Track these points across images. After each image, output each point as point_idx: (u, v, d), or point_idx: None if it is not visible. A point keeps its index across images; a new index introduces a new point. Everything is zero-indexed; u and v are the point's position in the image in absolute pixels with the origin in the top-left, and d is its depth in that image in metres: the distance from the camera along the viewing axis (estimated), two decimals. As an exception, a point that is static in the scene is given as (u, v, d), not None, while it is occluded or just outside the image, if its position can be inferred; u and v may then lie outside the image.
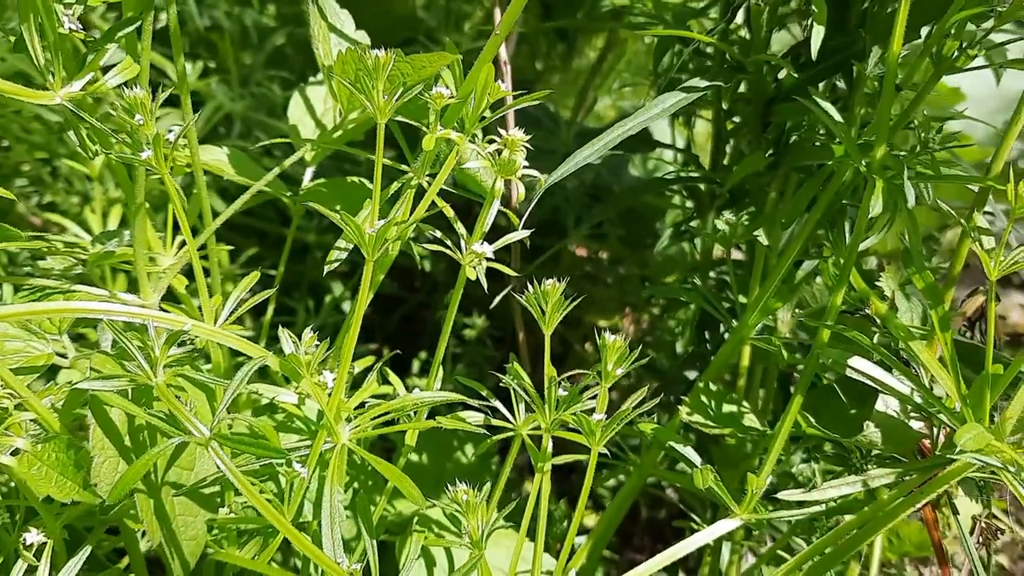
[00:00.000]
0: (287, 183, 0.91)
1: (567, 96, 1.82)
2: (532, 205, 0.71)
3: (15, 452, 0.62)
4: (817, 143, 0.82)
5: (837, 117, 0.72)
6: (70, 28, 0.60)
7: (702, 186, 0.98)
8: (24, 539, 0.63)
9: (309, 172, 0.87)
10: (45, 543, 0.64)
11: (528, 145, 1.32)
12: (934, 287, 0.68)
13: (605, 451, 0.70)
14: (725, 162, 0.97)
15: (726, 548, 1.00)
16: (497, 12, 0.93)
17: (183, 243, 0.82)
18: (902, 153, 0.77)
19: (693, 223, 1.06)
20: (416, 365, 1.54)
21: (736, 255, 1.11)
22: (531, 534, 0.74)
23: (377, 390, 0.75)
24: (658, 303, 1.57)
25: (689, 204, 1.13)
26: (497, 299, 0.86)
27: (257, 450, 0.59)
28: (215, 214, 0.81)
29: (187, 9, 1.62)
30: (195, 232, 0.77)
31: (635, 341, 1.63)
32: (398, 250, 0.75)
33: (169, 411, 0.58)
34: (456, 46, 1.71)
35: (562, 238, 1.51)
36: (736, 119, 0.92)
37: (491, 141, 0.68)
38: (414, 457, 1.03)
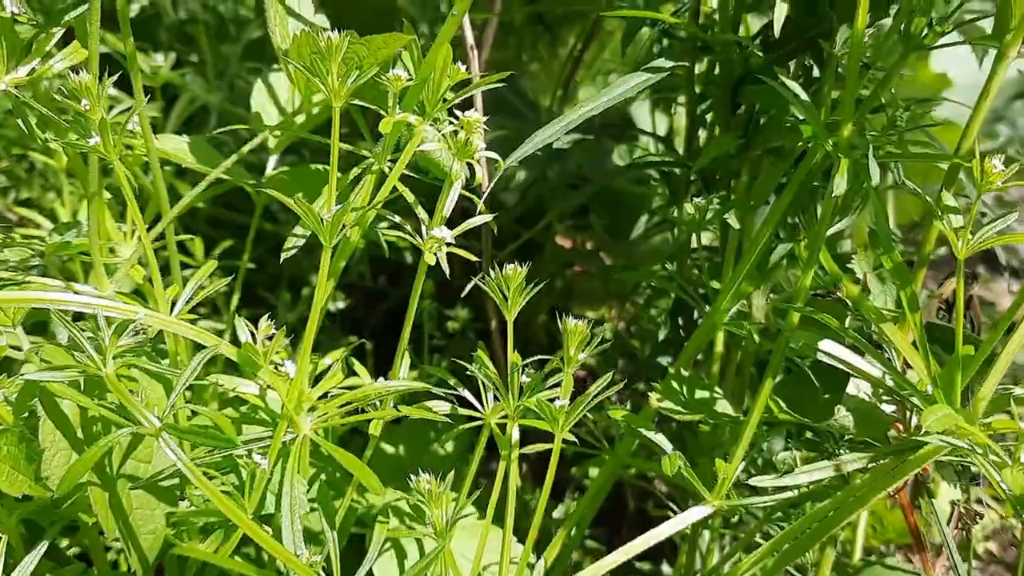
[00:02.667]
0: (256, 174, 0.90)
1: (551, 87, 1.81)
2: (491, 185, 0.70)
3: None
4: (787, 124, 0.81)
5: (803, 96, 0.70)
6: (12, 11, 0.59)
7: (677, 171, 0.97)
8: (-25, 535, 0.62)
9: (272, 160, 0.85)
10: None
11: (507, 134, 1.30)
12: (902, 268, 0.67)
13: (574, 439, 0.68)
14: (700, 147, 0.95)
15: (704, 536, 0.99)
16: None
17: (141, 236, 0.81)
18: (872, 133, 0.75)
19: (669, 210, 1.05)
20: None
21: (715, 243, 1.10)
22: (502, 523, 0.73)
23: (342, 380, 0.73)
24: (643, 294, 1.55)
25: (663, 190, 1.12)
26: (468, 287, 0.85)
27: (210, 440, 0.57)
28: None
29: (163, 1, 1.60)
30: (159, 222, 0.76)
31: (620, 332, 1.62)
32: (359, 237, 0.74)
33: (121, 402, 0.57)
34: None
35: (547, 228, 1.49)
36: (708, 103, 0.91)
37: (450, 119, 0.67)
38: (391, 450, 1.02)
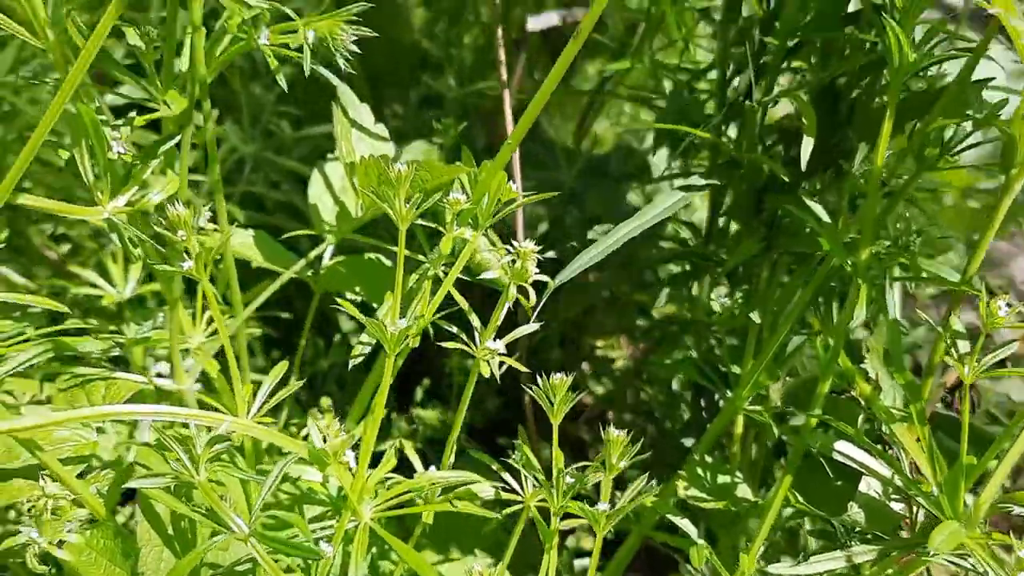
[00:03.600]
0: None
1: (568, 115, 1.87)
2: (540, 303, 0.77)
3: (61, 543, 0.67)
4: (808, 229, 0.87)
5: (824, 218, 0.77)
6: (118, 152, 0.65)
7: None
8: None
9: (329, 251, 0.92)
10: (94, 624, 0.69)
11: (533, 184, 1.37)
12: (913, 385, 0.73)
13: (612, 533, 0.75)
14: (720, 231, 1.02)
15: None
16: (507, 97, 0.98)
17: (210, 320, 0.87)
18: (886, 245, 0.82)
19: (689, 281, 1.12)
20: (419, 393, 1.60)
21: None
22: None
23: (394, 464, 0.80)
24: (655, 335, 1.62)
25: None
26: (500, 366, 0.92)
27: (291, 550, 0.64)
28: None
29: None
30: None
31: (631, 371, 1.69)
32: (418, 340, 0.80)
33: (210, 507, 0.64)
34: (460, 60, 1.73)
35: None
36: (730, 197, 0.97)
37: (506, 247, 0.73)
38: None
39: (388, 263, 0.92)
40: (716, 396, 1.00)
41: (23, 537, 0.63)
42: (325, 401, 1.20)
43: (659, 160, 1.66)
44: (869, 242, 0.76)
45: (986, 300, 0.66)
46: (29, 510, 0.62)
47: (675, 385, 1.48)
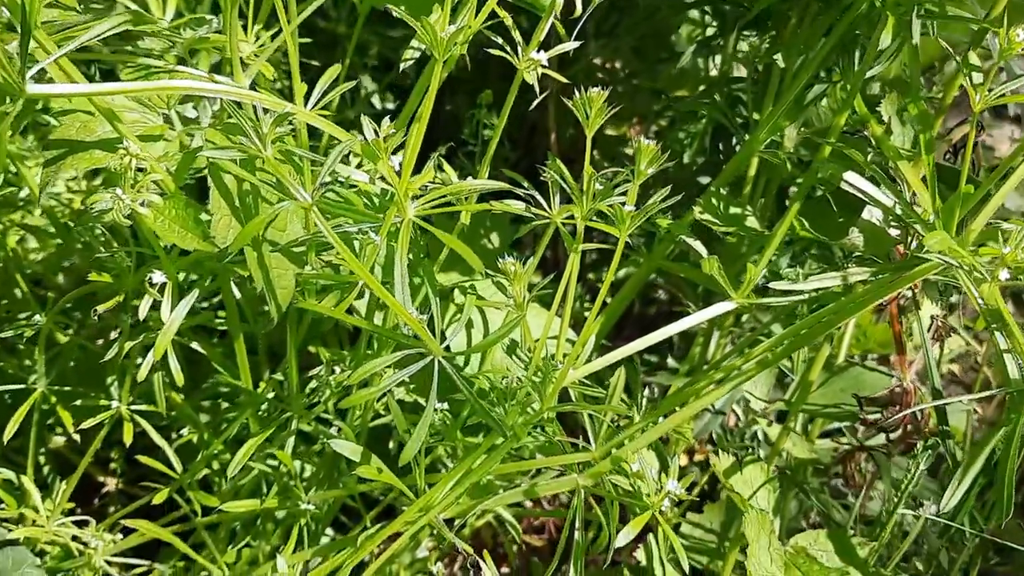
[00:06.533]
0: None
1: None
2: (585, 16, 0.80)
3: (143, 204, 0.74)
4: (840, -27, 0.90)
5: (860, -46, 0.80)
6: None
7: (728, 8, 1.06)
8: (150, 278, 0.76)
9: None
10: (166, 283, 0.77)
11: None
12: (925, 114, 0.79)
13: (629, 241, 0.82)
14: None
15: (716, 333, 1.16)
16: None
17: (258, 36, 0.91)
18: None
19: (716, 41, 1.14)
20: (441, 147, 1.65)
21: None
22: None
23: (433, 176, 0.86)
24: (667, 115, 1.65)
25: (710, 20, 1.21)
26: (535, 103, 0.96)
27: (352, 215, 0.71)
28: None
29: None
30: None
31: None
32: (463, 51, 0.84)
33: (276, 180, 0.70)
34: None
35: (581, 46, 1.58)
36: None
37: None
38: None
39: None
40: (734, 142, 1.06)
41: (109, 195, 0.70)
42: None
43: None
44: (900, -23, 0.79)
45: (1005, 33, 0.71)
46: (114, 169, 0.68)
47: (686, 158, 1.54)
